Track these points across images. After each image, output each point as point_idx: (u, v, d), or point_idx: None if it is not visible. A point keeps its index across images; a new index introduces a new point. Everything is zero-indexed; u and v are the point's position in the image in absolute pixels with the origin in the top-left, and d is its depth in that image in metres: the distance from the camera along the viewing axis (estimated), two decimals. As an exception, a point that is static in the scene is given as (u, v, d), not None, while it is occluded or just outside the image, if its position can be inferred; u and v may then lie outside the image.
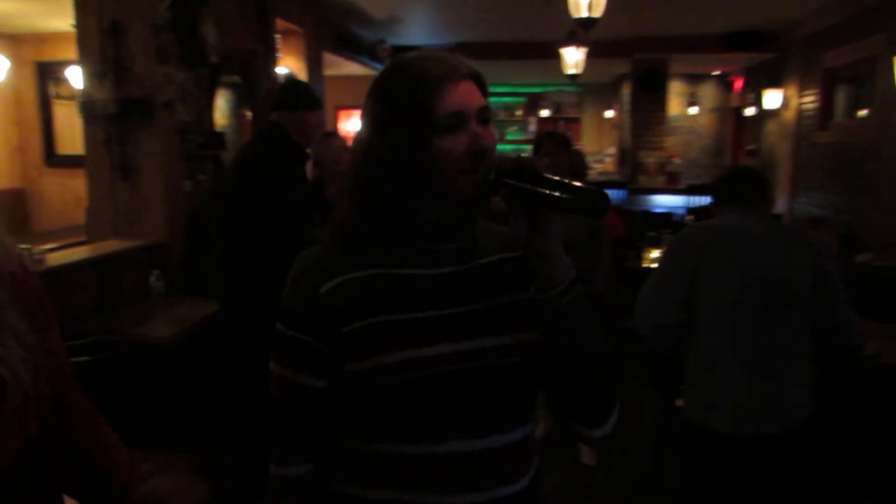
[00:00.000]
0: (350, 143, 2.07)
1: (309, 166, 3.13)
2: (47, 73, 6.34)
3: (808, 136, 6.95)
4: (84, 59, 3.53)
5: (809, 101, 6.93)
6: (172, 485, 1.05)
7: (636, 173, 8.79)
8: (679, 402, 2.18)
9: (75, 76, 5.34)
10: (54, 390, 0.98)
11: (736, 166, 2.74)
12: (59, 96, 6.34)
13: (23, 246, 2.75)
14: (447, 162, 0.93)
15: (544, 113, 12.36)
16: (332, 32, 6.69)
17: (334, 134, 4.56)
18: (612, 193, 7.85)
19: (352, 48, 7.23)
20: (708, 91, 11.28)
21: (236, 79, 4.45)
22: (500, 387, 0.99)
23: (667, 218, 7.13)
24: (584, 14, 4.41)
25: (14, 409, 0.87)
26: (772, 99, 7.96)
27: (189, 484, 1.06)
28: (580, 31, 4.85)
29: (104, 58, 3.46)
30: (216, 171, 4.05)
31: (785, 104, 7.68)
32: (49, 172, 6.49)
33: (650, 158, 8.75)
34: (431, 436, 0.96)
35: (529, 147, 3.94)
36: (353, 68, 7.72)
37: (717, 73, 10.92)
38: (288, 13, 5.40)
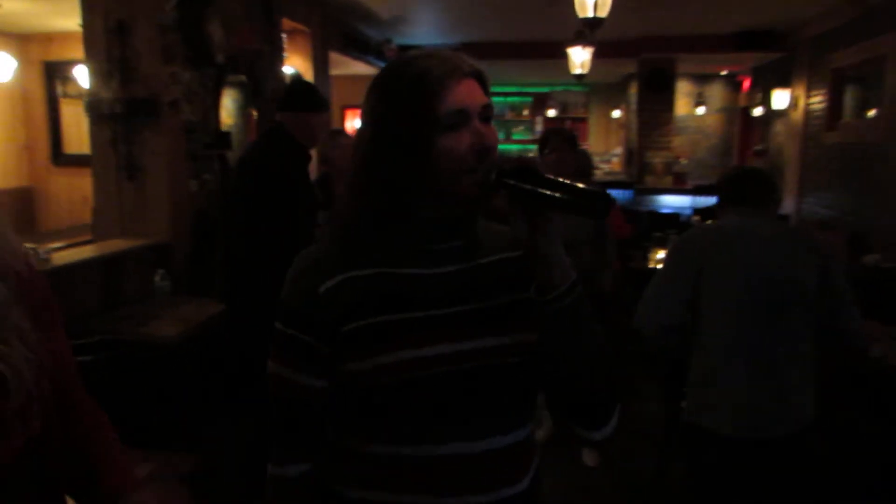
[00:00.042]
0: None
1: (312, 166, 3.14)
2: (55, 73, 6.36)
3: (816, 136, 6.91)
4: (90, 58, 3.54)
5: (817, 101, 6.90)
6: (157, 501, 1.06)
7: (643, 173, 8.76)
8: (683, 404, 2.17)
9: (83, 75, 5.36)
10: (57, 390, 0.98)
11: (741, 167, 2.73)
12: (66, 95, 6.36)
13: (29, 245, 2.76)
14: (450, 160, 0.93)
15: (551, 113, 12.33)
16: (338, 32, 6.69)
17: (342, 132, 4.57)
18: (619, 193, 7.88)
19: (358, 48, 7.23)
20: (715, 91, 11.23)
21: (242, 78, 4.46)
22: (501, 387, 0.99)
23: (673, 218, 7.11)
24: (590, 14, 4.39)
25: (16, 409, 0.88)
26: (780, 99, 7.92)
27: (174, 499, 1.07)
28: (586, 30, 4.83)
29: (110, 57, 3.47)
30: (222, 171, 4.06)
31: (793, 104, 7.64)
32: (56, 171, 6.51)
33: (657, 159, 8.72)
34: (431, 437, 0.96)
35: (535, 147, 3.93)
36: (359, 68, 7.72)
37: (724, 72, 10.87)
38: (294, 13, 5.40)
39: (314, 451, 1.04)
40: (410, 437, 0.96)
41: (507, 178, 0.90)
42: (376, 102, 0.98)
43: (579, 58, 6.71)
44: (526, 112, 12.44)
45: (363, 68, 7.79)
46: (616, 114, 12.04)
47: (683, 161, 9.26)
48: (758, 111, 9.32)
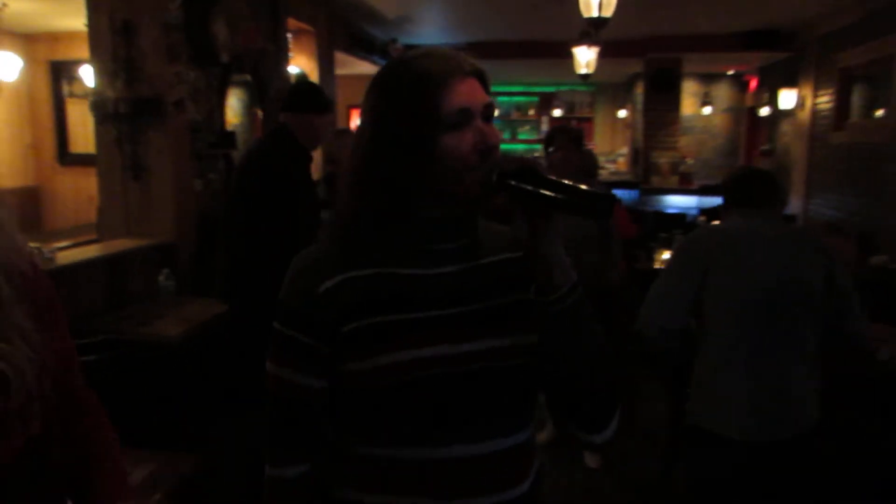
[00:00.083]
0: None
1: (315, 167, 3.14)
2: (61, 72, 6.39)
3: (824, 136, 6.88)
4: (95, 58, 3.54)
5: (825, 101, 6.87)
6: None
7: (649, 173, 8.73)
8: (687, 406, 2.16)
9: (89, 75, 5.38)
10: (60, 390, 0.98)
11: (746, 168, 2.71)
12: (72, 95, 6.38)
13: (34, 244, 2.77)
14: (453, 159, 0.92)
15: (557, 112, 12.33)
16: (343, 31, 6.69)
17: (347, 131, 4.56)
18: (624, 193, 7.84)
19: (364, 47, 7.23)
20: (722, 91, 11.19)
21: (247, 78, 4.46)
22: (502, 389, 0.98)
23: (679, 219, 7.07)
24: (595, 14, 4.38)
25: (17, 408, 0.87)
26: (787, 99, 7.88)
27: None
28: (591, 30, 4.82)
29: (115, 57, 3.48)
30: (227, 170, 4.06)
31: (800, 104, 7.61)
32: (62, 171, 6.54)
33: (663, 158, 8.69)
34: (431, 439, 0.95)
35: (541, 147, 3.92)
36: (364, 67, 7.73)
37: (731, 72, 10.83)
38: (300, 12, 5.40)
39: (313, 452, 1.03)
40: (410, 438, 0.95)
41: (509, 179, 0.89)
42: (376, 101, 0.97)
43: (585, 57, 6.69)
44: (532, 112, 12.45)
45: (369, 68, 7.79)
46: (622, 113, 12.02)
47: (689, 161, 9.22)
48: (764, 111, 9.28)
